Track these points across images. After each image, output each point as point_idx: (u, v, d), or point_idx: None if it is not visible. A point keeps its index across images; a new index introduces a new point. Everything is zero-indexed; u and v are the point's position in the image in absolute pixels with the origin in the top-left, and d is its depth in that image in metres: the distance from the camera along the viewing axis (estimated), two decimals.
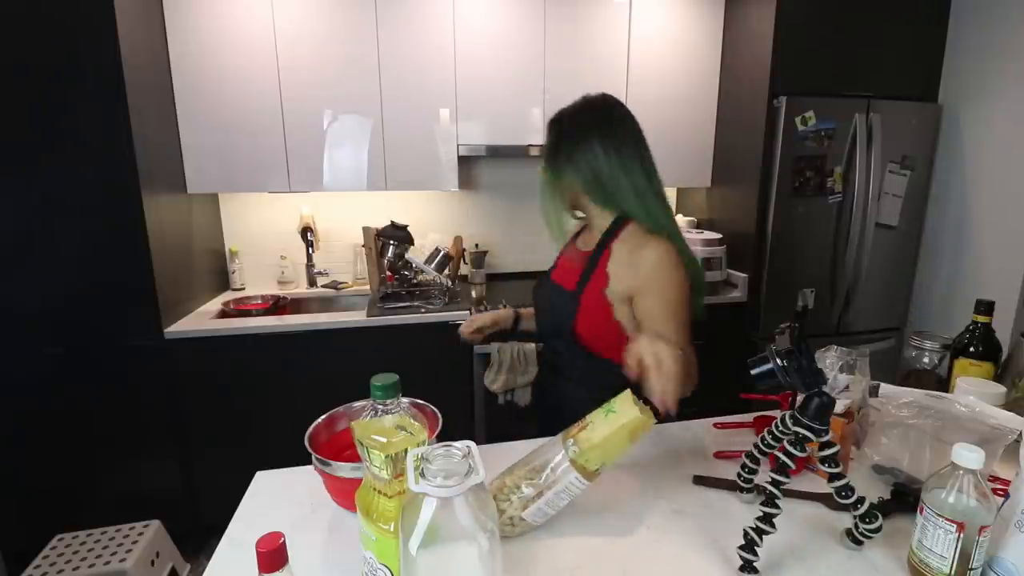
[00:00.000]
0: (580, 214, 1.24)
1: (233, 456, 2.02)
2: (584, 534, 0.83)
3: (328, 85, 2.22)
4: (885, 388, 1.05)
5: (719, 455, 1.05)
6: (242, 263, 2.54)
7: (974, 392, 1.01)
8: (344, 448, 0.93)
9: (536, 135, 2.43)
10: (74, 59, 1.73)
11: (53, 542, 1.74)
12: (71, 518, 1.87)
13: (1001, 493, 0.81)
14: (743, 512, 0.88)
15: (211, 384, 2.03)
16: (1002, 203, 2.20)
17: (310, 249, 2.53)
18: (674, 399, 0.81)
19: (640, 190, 1.08)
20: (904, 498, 0.87)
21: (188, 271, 2.21)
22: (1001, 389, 1.03)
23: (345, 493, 0.83)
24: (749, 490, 0.90)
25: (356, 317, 2.12)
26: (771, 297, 2.39)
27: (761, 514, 0.73)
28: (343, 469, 0.82)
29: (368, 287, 2.48)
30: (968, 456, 0.66)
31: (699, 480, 0.96)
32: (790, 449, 0.76)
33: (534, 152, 2.43)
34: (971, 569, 0.68)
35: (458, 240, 2.62)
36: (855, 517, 0.77)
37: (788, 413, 0.79)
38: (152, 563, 1.74)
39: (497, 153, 2.45)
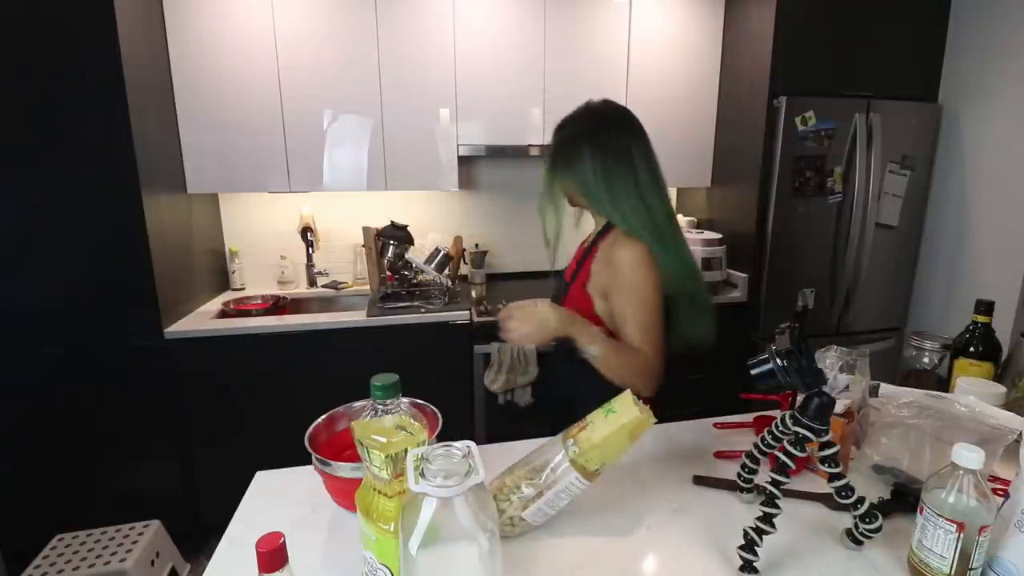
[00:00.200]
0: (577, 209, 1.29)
1: (233, 456, 2.01)
2: (584, 534, 0.83)
3: (328, 85, 2.22)
4: (885, 388, 1.05)
5: (719, 455, 1.05)
6: (242, 263, 2.54)
7: (974, 392, 1.01)
8: (344, 448, 0.93)
9: (536, 135, 2.43)
10: (74, 59, 1.73)
11: (53, 542, 1.74)
12: (71, 518, 1.87)
13: (1001, 493, 0.81)
14: (743, 512, 0.88)
15: (211, 384, 2.03)
16: (1002, 203, 2.20)
17: (310, 249, 2.53)
18: (521, 338, 1.04)
19: (618, 198, 1.12)
20: (904, 498, 0.87)
21: (188, 271, 2.21)
22: (1001, 389, 1.03)
23: (345, 493, 0.83)
24: (749, 490, 0.90)
25: (356, 317, 2.12)
26: (771, 297, 2.39)
27: (761, 514, 0.73)
28: (343, 469, 0.82)
29: (368, 287, 2.48)
30: (968, 456, 0.66)
31: (699, 480, 0.96)
32: (790, 449, 0.76)
33: (534, 152, 2.43)
34: (971, 569, 0.68)
35: (458, 240, 2.62)
36: (855, 517, 0.77)
37: (788, 413, 0.79)
38: (152, 563, 1.74)
39: (497, 153, 2.45)
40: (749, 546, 0.73)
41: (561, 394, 1.35)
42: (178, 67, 2.10)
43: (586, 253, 1.22)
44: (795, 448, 0.75)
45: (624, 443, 0.79)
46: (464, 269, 2.71)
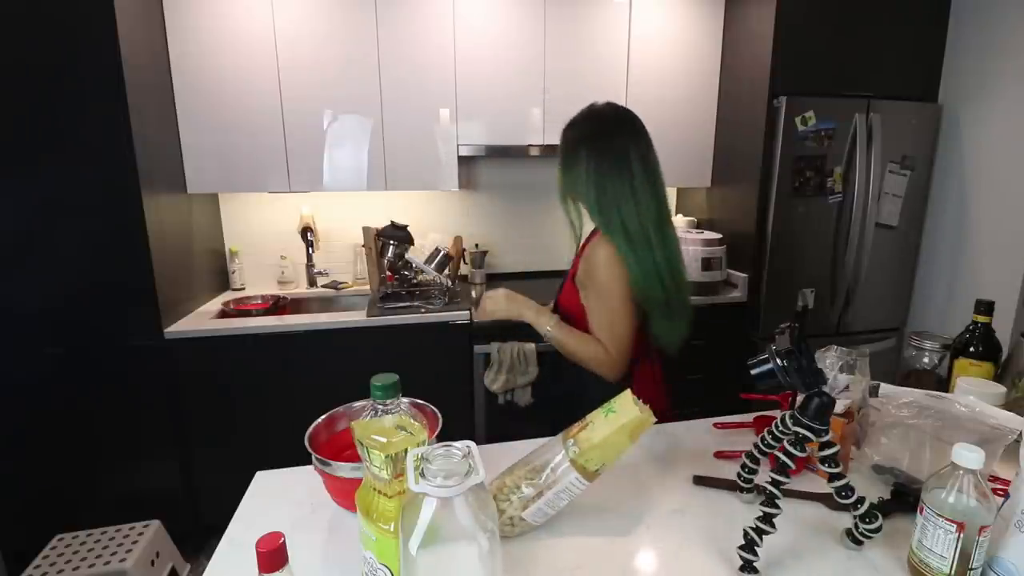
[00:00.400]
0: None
1: (233, 456, 2.01)
2: (584, 534, 0.83)
3: (328, 85, 2.22)
4: (885, 388, 1.05)
5: (719, 455, 1.05)
6: (242, 263, 2.54)
7: (974, 392, 1.01)
8: (344, 448, 0.93)
9: (536, 135, 2.43)
10: (74, 59, 1.73)
11: (53, 542, 1.74)
12: (71, 518, 1.87)
13: (1001, 493, 0.81)
14: (743, 512, 0.88)
15: (211, 384, 2.03)
16: (1002, 203, 2.20)
17: (310, 249, 2.53)
18: (486, 311, 1.31)
19: (603, 203, 1.17)
20: (904, 498, 0.87)
21: (188, 271, 2.21)
22: (1001, 389, 1.03)
23: (345, 493, 0.83)
24: (749, 490, 0.90)
25: (356, 317, 2.12)
26: (771, 297, 2.39)
27: (761, 514, 0.73)
28: (343, 469, 0.82)
29: (368, 287, 2.48)
30: (968, 456, 0.66)
31: (699, 480, 0.96)
32: (790, 449, 0.76)
33: (534, 152, 2.43)
34: (971, 569, 0.68)
35: (458, 240, 2.62)
36: (855, 517, 0.77)
37: (788, 413, 0.79)
38: (152, 563, 1.74)
39: (497, 153, 2.45)
40: (749, 546, 0.73)
41: (561, 394, 1.36)
42: (178, 67, 2.10)
43: (581, 249, 1.29)
44: (795, 448, 0.75)
45: (624, 443, 0.79)
46: (464, 269, 2.71)
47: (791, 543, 0.80)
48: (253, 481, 0.99)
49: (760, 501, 0.74)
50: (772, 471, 0.74)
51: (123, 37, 1.76)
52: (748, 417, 1.19)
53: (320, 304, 2.49)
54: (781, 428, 0.81)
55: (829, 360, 0.99)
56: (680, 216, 2.87)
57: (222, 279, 2.51)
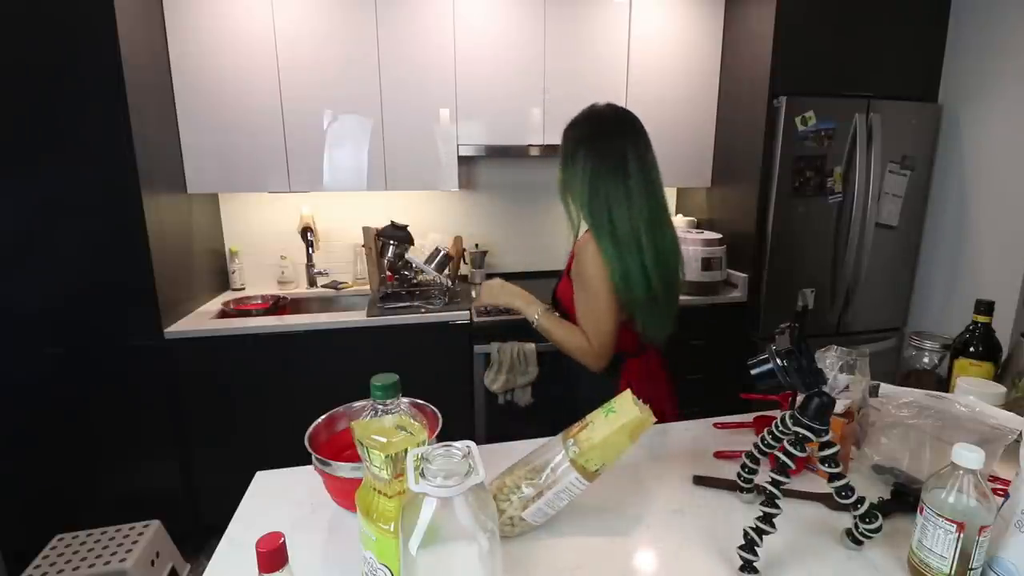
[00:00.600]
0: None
1: (233, 456, 2.01)
2: (584, 534, 0.83)
3: (328, 85, 2.22)
4: (885, 388, 1.05)
5: (719, 455, 1.05)
6: (242, 263, 2.54)
7: (974, 392, 1.01)
8: (344, 448, 0.93)
9: (536, 135, 2.43)
10: (74, 59, 1.73)
11: (53, 542, 1.74)
12: (71, 518, 1.87)
13: (1001, 493, 0.81)
14: (743, 512, 0.88)
15: (211, 384, 2.03)
16: (1002, 203, 2.20)
17: (310, 249, 2.53)
18: (480, 301, 1.43)
19: (593, 204, 1.19)
20: (904, 498, 0.87)
21: (188, 271, 2.21)
22: (1001, 389, 1.03)
23: (345, 493, 0.83)
24: (749, 490, 0.90)
25: (356, 317, 2.12)
26: (771, 297, 2.39)
27: (761, 514, 0.73)
28: (343, 469, 0.82)
29: (368, 287, 2.48)
30: (968, 456, 0.66)
31: (699, 480, 0.96)
32: (790, 449, 0.76)
33: (534, 152, 2.43)
34: (971, 569, 0.68)
35: (458, 240, 2.62)
36: (855, 517, 0.77)
37: (788, 413, 0.79)
38: (152, 563, 1.74)
39: (497, 153, 2.45)
40: (749, 546, 0.73)
41: (561, 394, 1.37)
42: (178, 67, 2.10)
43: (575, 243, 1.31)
44: (795, 448, 0.75)
45: (624, 443, 0.79)
46: (464, 269, 2.71)
47: (791, 543, 0.80)
48: (253, 481, 0.99)
49: (760, 501, 0.74)
50: (772, 471, 0.74)
51: (123, 37, 1.76)
52: (748, 417, 1.19)
53: (320, 304, 2.49)
54: (781, 428, 0.81)
55: (829, 360, 0.99)
56: (680, 216, 2.87)
57: (222, 279, 2.51)
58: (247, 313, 2.22)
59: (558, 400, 1.44)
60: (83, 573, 1.60)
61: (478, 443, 0.62)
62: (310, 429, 0.92)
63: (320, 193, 2.48)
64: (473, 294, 2.49)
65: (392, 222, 2.35)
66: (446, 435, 0.78)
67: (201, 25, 2.08)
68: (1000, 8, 2.18)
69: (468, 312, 2.18)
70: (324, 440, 0.93)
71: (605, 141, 1.20)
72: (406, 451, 0.61)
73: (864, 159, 2.31)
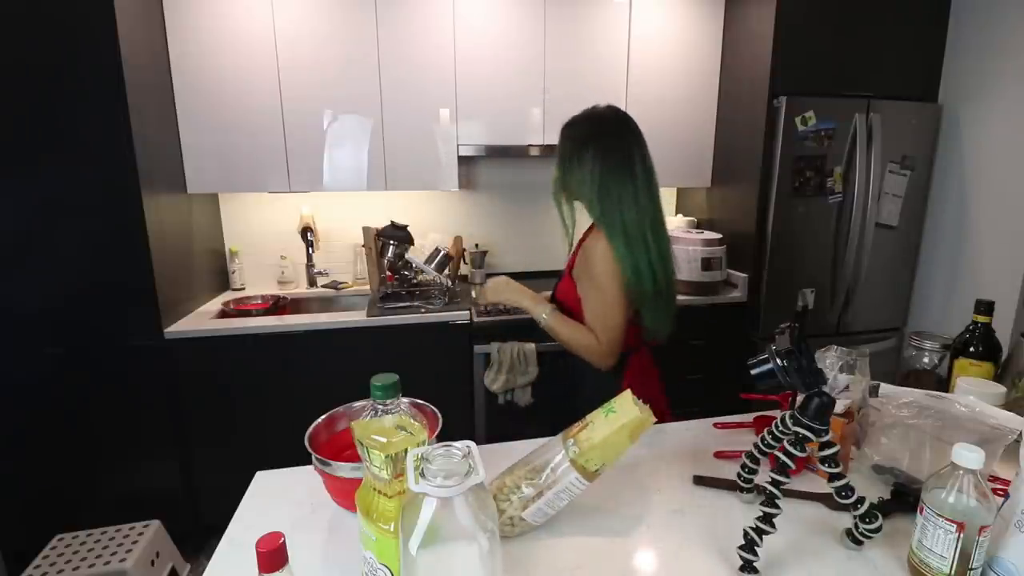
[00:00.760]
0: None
1: (233, 456, 2.02)
2: (584, 534, 0.83)
3: (328, 85, 2.22)
4: (885, 388, 1.05)
5: (719, 455, 1.05)
6: (242, 263, 2.54)
7: (974, 392, 1.01)
8: (344, 448, 0.93)
9: (536, 135, 2.43)
10: (74, 59, 1.73)
11: (53, 542, 1.74)
12: (71, 518, 1.87)
13: (1001, 493, 0.81)
14: (743, 512, 0.88)
15: (211, 384, 2.03)
16: (1002, 203, 2.20)
17: (310, 249, 2.53)
18: (485, 298, 1.38)
19: (605, 203, 1.20)
20: (904, 498, 0.87)
21: (188, 271, 2.21)
22: (1001, 389, 1.03)
23: (345, 493, 0.83)
24: (749, 490, 0.90)
25: (356, 317, 2.12)
26: (771, 297, 2.39)
27: (761, 514, 0.73)
28: (343, 469, 0.82)
29: (368, 287, 2.48)
30: (968, 456, 0.66)
31: (699, 480, 0.96)
32: (790, 449, 0.76)
33: (534, 152, 2.43)
34: (971, 569, 0.68)
35: (458, 240, 2.62)
36: (855, 517, 0.77)
37: (788, 413, 0.79)
38: (152, 563, 1.74)
39: (497, 153, 2.45)
40: (749, 546, 0.73)
41: (561, 394, 1.37)
42: (178, 67, 2.10)
43: (578, 244, 1.32)
44: (795, 448, 0.75)
45: (624, 443, 0.79)
46: (464, 269, 2.71)
47: (791, 543, 0.80)
48: (253, 481, 0.99)
49: (760, 501, 0.74)
50: (772, 471, 0.74)
51: (123, 37, 1.76)
52: (748, 417, 1.19)
53: (320, 304, 2.49)
54: (781, 428, 0.81)
55: (829, 360, 0.99)
56: (680, 216, 2.87)
57: (222, 279, 2.51)
58: (247, 313, 2.22)
59: (558, 400, 1.44)
60: (83, 573, 1.60)
61: (478, 443, 0.62)
62: (310, 429, 0.92)
63: (320, 193, 2.48)
64: (473, 294, 2.49)
65: (392, 222, 2.35)
66: (446, 435, 0.78)
67: (201, 25, 2.08)
68: (1000, 8, 2.18)
69: (468, 312, 2.18)
70: (324, 440, 0.93)
71: (614, 140, 1.22)
72: (406, 451, 0.61)
73: (864, 159, 2.31)
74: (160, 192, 1.99)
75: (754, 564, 0.73)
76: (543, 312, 1.28)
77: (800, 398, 0.78)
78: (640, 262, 1.19)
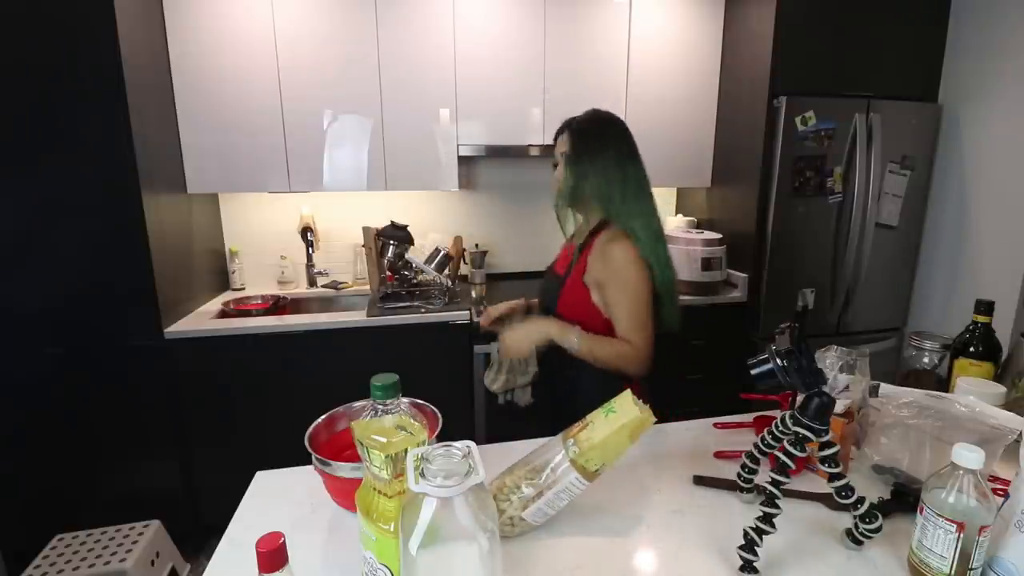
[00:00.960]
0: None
1: (233, 456, 2.01)
2: (584, 534, 0.83)
3: (328, 85, 2.22)
4: (885, 388, 1.05)
5: (719, 455, 1.05)
6: (242, 263, 2.54)
7: (974, 392, 1.01)
8: (344, 448, 0.93)
9: (536, 135, 2.43)
10: (74, 59, 1.73)
11: (53, 542, 1.74)
12: (71, 518, 1.87)
13: (1001, 493, 0.81)
14: (743, 512, 0.88)
15: (211, 384, 2.03)
16: (1002, 203, 2.20)
17: (310, 249, 2.53)
18: (512, 348, 1.29)
19: (628, 200, 1.24)
20: (904, 498, 0.87)
21: (188, 271, 2.21)
22: (1001, 389, 1.03)
23: (345, 493, 0.83)
24: (749, 490, 0.90)
25: (356, 317, 2.12)
26: (771, 297, 2.39)
27: (761, 514, 0.73)
28: (343, 469, 0.82)
29: (368, 287, 2.48)
30: (968, 456, 0.66)
31: (699, 480, 0.96)
32: (790, 449, 0.76)
33: (534, 152, 2.43)
34: (971, 569, 0.68)
35: (458, 240, 2.62)
36: (855, 517, 0.77)
37: (788, 413, 0.79)
38: (152, 563, 1.74)
39: (497, 153, 2.45)
40: (749, 546, 0.73)
41: (561, 394, 1.37)
42: (178, 67, 2.10)
43: (579, 248, 1.30)
44: (795, 448, 0.75)
45: (624, 443, 0.79)
46: (464, 269, 2.71)
47: (791, 543, 0.80)
48: (253, 481, 0.99)
49: (760, 501, 0.74)
50: (772, 471, 0.74)
51: (123, 37, 1.76)
52: (748, 417, 1.19)
53: (320, 304, 2.49)
54: (781, 428, 0.81)
55: (829, 360, 0.99)
56: (680, 216, 2.87)
57: (222, 279, 2.51)
58: (247, 313, 2.22)
59: (558, 400, 1.44)
60: (83, 573, 1.60)
61: (478, 443, 0.62)
62: (310, 429, 0.92)
63: (320, 193, 2.48)
64: (473, 294, 2.49)
65: (392, 222, 2.35)
66: (446, 435, 0.78)
67: (201, 25, 2.08)
68: (1000, 8, 2.18)
69: (468, 312, 2.18)
70: (324, 440, 0.93)
71: (630, 138, 1.27)
72: (406, 451, 0.61)
73: (864, 159, 2.31)
74: (160, 192, 1.99)
75: (754, 564, 0.73)
76: (573, 337, 1.20)
77: (800, 398, 0.78)
78: (661, 252, 1.23)
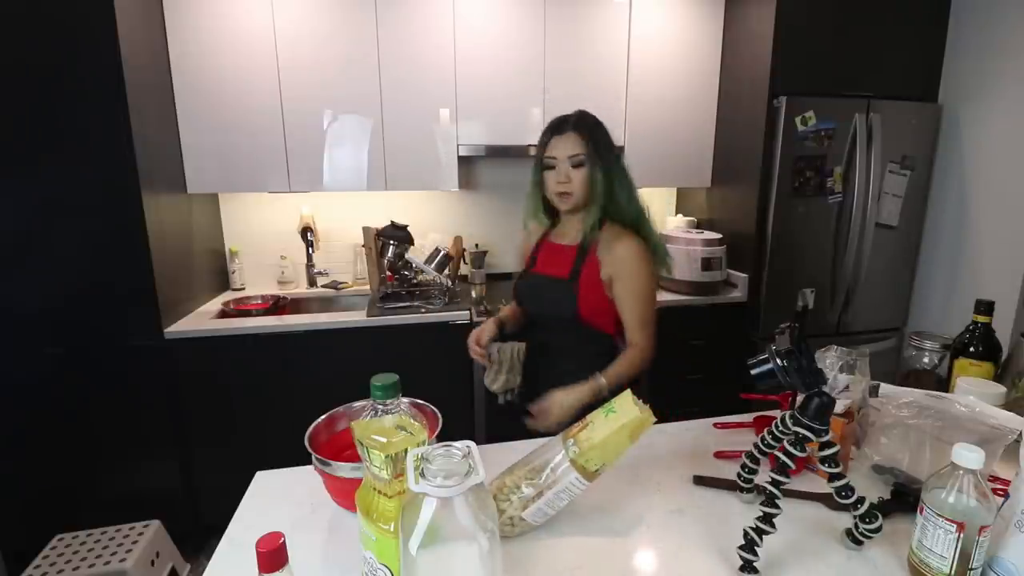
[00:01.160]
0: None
1: (233, 456, 2.01)
2: (584, 534, 0.83)
3: (328, 85, 2.22)
4: (885, 388, 1.05)
5: (719, 455, 1.05)
6: (242, 263, 2.54)
7: (974, 392, 1.01)
8: (344, 448, 0.93)
9: (536, 135, 2.42)
10: (74, 59, 1.73)
11: (53, 542, 1.74)
12: (71, 518, 1.87)
13: (1001, 493, 0.81)
14: (743, 512, 0.88)
15: (211, 384, 2.03)
16: (1002, 203, 2.20)
17: (310, 249, 2.53)
18: (551, 421, 1.17)
19: (634, 196, 1.28)
20: (904, 498, 0.87)
21: (188, 271, 2.21)
22: (1001, 389, 1.03)
23: (345, 493, 0.83)
24: (749, 490, 0.90)
25: (356, 317, 2.12)
26: (771, 297, 2.39)
27: (761, 514, 0.73)
28: (343, 469, 0.82)
29: (368, 287, 2.48)
30: (968, 456, 0.66)
31: (699, 480, 0.96)
32: (790, 449, 0.76)
33: (534, 152, 2.42)
34: (971, 569, 0.68)
35: (458, 240, 2.62)
36: (855, 517, 0.77)
37: (788, 413, 0.79)
38: (152, 563, 1.74)
39: (497, 153, 2.45)
40: (749, 546, 0.73)
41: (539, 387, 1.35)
42: (178, 67, 2.09)
43: (583, 247, 1.28)
44: (795, 448, 0.75)
45: (624, 443, 0.79)
46: (464, 269, 2.71)
47: (791, 543, 0.80)
48: (253, 481, 0.99)
49: (760, 501, 0.74)
50: (772, 471, 0.74)
51: (123, 37, 1.76)
52: (748, 417, 1.19)
53: (320, 304, 2.49)
54: (781, 428, 0.81)
55: (829, 360, 0.99)
56: (680, 216, 2.87)
57: (222, 279, 2.51)
58: (247, 313, 2.22)
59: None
60: (83, 573, 1.60)
61: (478, 443, 0.62)
62: (310, 429, 0.92)
63: (320, 193, 2.48)
64: (473, 294, 2.49)
65: (392, 222, 2.35)
66: (446, 435, 0.78)
67: (201, 25, 2.08)
68: (1000, 8, 2.18)
69: (468, 312, 2.18)
70: (324, 440, 0.93)
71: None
72: (406, 451, 0.61)
73: (864, 159, 2.31)
74: (160, 192, 1.99)
75: (754, 564, 0.73)
76: (601, 383, 1.19)
77: (800, 398, 0.78)
78: (660, 240, 1.29)
